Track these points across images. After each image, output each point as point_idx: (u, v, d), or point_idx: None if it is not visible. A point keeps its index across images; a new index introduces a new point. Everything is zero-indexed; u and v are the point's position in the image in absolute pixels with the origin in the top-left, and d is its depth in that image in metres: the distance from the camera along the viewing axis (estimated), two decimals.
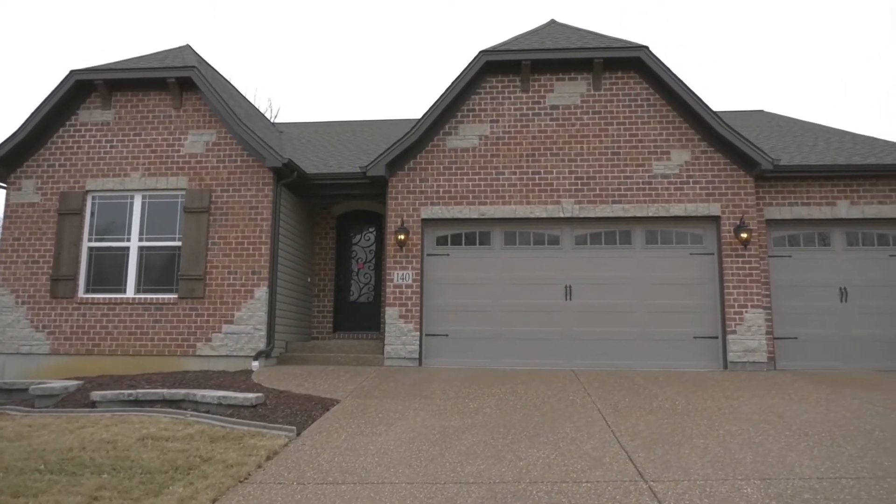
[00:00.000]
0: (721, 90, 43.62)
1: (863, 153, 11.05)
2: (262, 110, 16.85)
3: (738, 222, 10.20)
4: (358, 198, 12.42)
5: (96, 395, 7.44)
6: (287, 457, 5.47)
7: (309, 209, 12.39)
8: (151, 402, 7.50)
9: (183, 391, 7.56)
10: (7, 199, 10.95)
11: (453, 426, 6.37)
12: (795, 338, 10.43)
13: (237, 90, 14.25)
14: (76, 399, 7.69)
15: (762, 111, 16.91)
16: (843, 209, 10.55)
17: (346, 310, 12.55)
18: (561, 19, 12.62)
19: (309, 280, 12.30)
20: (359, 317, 12.45)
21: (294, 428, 6.24)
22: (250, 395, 7.21)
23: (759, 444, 5.46)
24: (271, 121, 16.45)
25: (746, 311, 10.04)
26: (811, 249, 10.72)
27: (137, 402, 7.46)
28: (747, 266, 10.15)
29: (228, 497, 4.53)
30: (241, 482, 4.84)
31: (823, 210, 10.57)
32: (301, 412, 7.08)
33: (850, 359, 10.28)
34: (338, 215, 12.75)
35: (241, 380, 9.05)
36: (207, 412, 7.14)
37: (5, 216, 10.90)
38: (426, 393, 8.07)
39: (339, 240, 12.73)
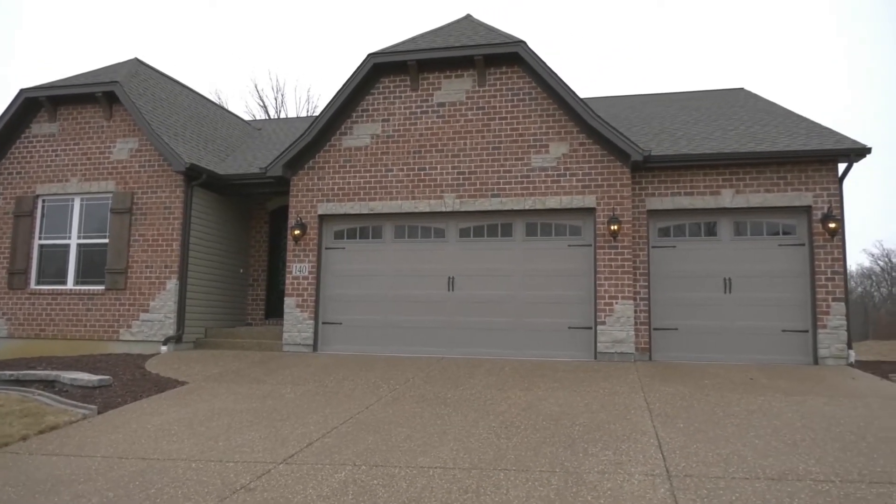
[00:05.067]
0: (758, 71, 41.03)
1: (760, 139, 10.72)
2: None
3: (611, 214, 10.26)
4: (286, 194, 13.29)
5: None
6: (59, 432, 6.46)
7: (242, 205, 13.42)
8: (31, 382, 8.74)
9: (55, 373, 8.77)
10: None
11: (232, 409, 7.17)
12: (676, 329, 10.41)
13: (200, 95, 15.44)
14: None
15: (742, 89, 16.32)
16: (728, 198, 10.33)
17: (278, 298, 13.53)
18: (479, 14, 12.80)
19: (242, 271, 13.38)
20: None
21: (95, 407, 7.24)
22: (94, 377, 8.32)
23: (435, 432, 5.92)
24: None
25: (617, 303, 10.14)
26: (696, 240, 10.59)
27: (18, 382, 8.74)
28: (619, 258, 10.22)
29: None
30: None
31: (707, 200, 10.41)
32: (134, 393, 8.11)
33: (730, 350, 10.15)
34: (271, 210, 13.73)
35: (137, 363, 10.21)
36: (66, 391, 8.31)
37: None
38: (270, 378, 8.90)
39: (272, 233, 13.73)
